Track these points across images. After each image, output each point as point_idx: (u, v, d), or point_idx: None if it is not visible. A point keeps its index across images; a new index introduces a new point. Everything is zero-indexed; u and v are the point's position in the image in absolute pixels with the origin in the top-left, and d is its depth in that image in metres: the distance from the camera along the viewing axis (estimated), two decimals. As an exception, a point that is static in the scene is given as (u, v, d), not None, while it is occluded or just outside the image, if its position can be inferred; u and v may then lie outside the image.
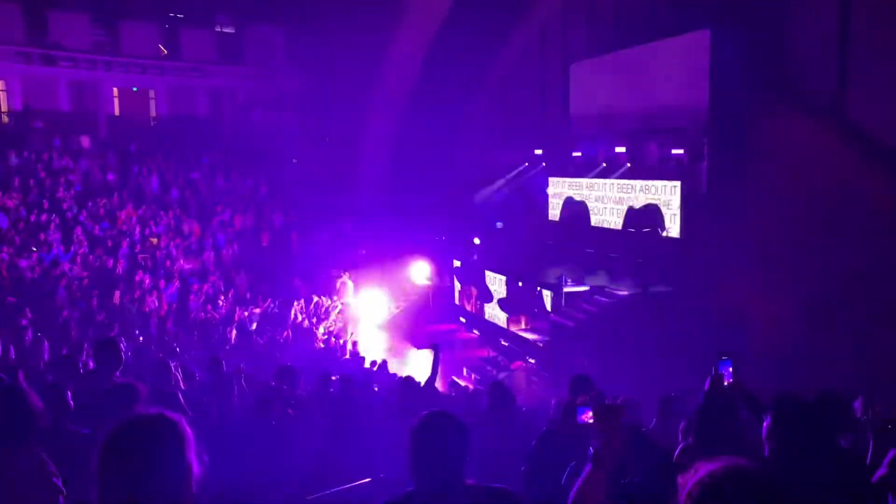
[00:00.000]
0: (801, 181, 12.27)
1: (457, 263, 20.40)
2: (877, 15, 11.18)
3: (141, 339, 11.75)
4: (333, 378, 7.89)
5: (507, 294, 17.30)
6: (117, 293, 13.88)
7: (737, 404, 3.60)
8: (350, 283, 18.44)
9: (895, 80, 10.88)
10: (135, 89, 24.81)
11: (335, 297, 17.77)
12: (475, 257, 19.98)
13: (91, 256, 15.54)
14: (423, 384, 7.54)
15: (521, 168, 20.56)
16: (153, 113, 25.19)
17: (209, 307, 15.10)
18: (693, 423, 3.45)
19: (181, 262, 16.87)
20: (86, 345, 8.22)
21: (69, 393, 4.00)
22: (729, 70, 13.34)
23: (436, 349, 7.61)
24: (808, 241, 12.10)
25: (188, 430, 1.85)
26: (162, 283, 15.38)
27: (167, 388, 5.28)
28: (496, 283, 17.87)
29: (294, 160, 24.28)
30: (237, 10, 25.38)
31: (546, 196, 19.11)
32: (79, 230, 16.32)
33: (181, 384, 6.41)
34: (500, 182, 21.08)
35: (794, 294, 12.22)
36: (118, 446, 1.79)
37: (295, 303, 16.35)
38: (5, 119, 22.03)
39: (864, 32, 11.42)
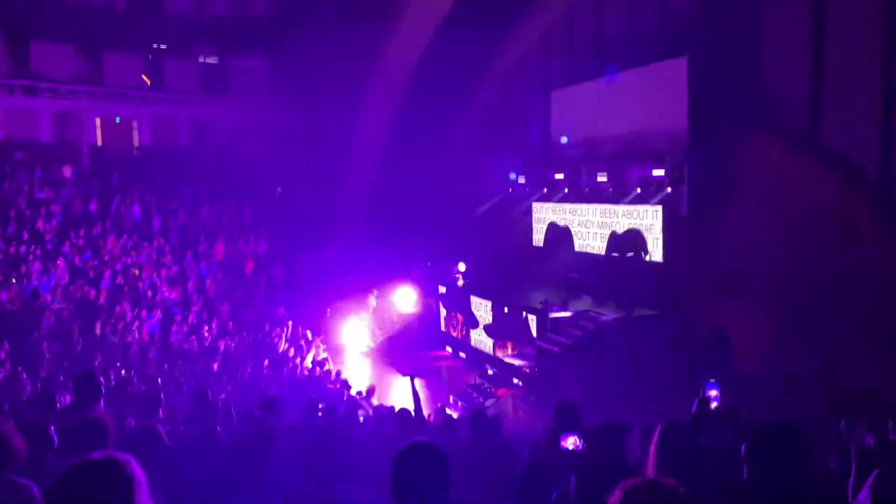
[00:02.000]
0: (779, 204, 12.46)
1: (442, 290, 20.39)
2: (848, 44, 11.46)
3: (123, 371, 11.59)
4: (320, 406, 7.83)
5: (492, 320, 17.29)
6: (98, 324, 13.72)
7: (718, 427, 3.62)
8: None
9: (866, 108, 11.11)
10: (118, 120, 24.79)
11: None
12: (460, 283, 19.99)
13: (72, 287, 15.38)
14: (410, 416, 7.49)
15: (505, 194, 20.70)
16: (136, 143, 25.14)
17: (192, 337, 14.96)
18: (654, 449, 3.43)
19: (164, 291, 16.73)
20: (62, 378, 8.11)
21: (52, 428, 3.93)
22: (707, 95, 13.59)
23: (412, 379, 7.61)
24: (787, 264, 12.25)
25: (137, 473, 1.81)
26: (144, 313, 15.23)
27: (148, 422, 5.21)
28: (482, 309, 17.86)
29: (278, 189, 24.28)
30: (221, 42, 25.52)
31: (530, 221, 19.24)
32: (60, 261, 16.16)
33: (165, 416, 6.33)
34: (485, 208, 21.20)
35: (775, 316, 12.34)
36: (64, 494, 1.74)
37: (279, 331, 16.24)
38: (-14, 150, 21.88)
39: (837, 62, 11.69)
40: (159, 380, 10.81)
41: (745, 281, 12.98)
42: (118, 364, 12.24)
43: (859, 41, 11.22)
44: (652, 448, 3.15)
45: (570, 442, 3.20)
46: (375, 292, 19.73)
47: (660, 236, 14.40)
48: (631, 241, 15.11)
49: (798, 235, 12.13)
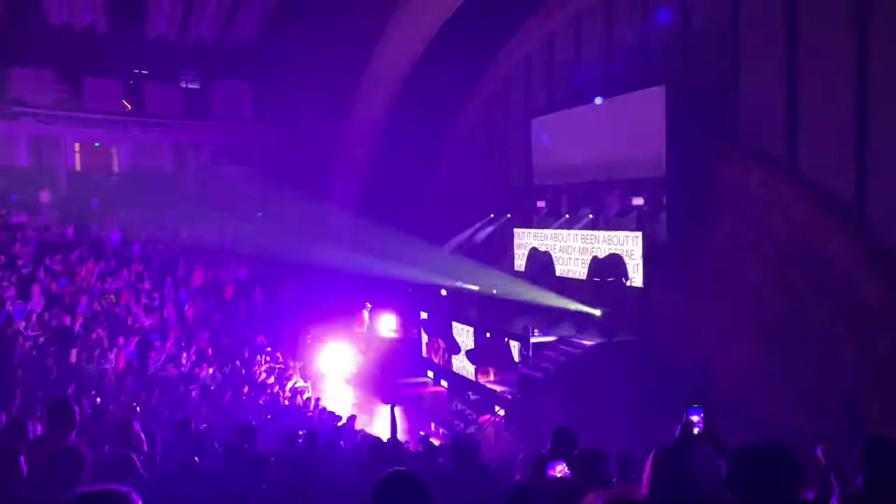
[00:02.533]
0: (758, 231, 12.63)
1: (424, 315, 20.33)
2: (821, 73, 11.73)
3: (98, 399, 11.38)
4: (301, 432, 7.73)
5: (474, 345, 17.24)
6: (74, 352, 13.49)
7: (701, 453, 3.62)
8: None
9: (840, 136, 11.34)
10: (97, 144, 24.63)
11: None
12: (443, 308, 19.95)
13: (47, 314, 15.13)
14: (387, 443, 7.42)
15: (486, 219, 20.77)
16: (116, 168, 24.97)
17: (170, 365, 14.75)
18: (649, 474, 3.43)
19: (142, 318, 16.52)
20: (37, 407, 7.94)
21: (22, 458, 3.84)
22: (684, 124, 13.78)
23: (392, 407, 7.56)
24: (766, 290, 12.38)
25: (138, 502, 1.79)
26: (121, 340, 15.01)
27: (124, 451, 5.10)
28: (464, 335, 17.81)
29: (259, 213, 24.18)
30: (203, 65, 25.53)
31: (512, 246, 19.30)
32: (36, 287, 15.92)
33: (144, 445, 6.22)
34: (468, 233, 21.23)
35: (755, 342, 12.44)
36: None
37: (259, 358, 16.07)
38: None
39: (811, 90, 11.94)
40: (137, 408, 10.66)
41: (724, 307, 13.09)
42: (93, 392, 12.04)
43: (832, 70, 11.48)
44: (646, 472, 3.15)
45: (558, 470, 3.19)
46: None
47: (640, 262, 14.49)
48: (612, 266, 15.18)
49: (776, 262, 12.28)
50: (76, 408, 4.87)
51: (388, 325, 20.81)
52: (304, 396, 15.38)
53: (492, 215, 20.68)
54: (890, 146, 10.63)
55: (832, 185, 11.53)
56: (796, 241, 11.94)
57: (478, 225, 20.90)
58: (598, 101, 15.96)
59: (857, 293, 10.90)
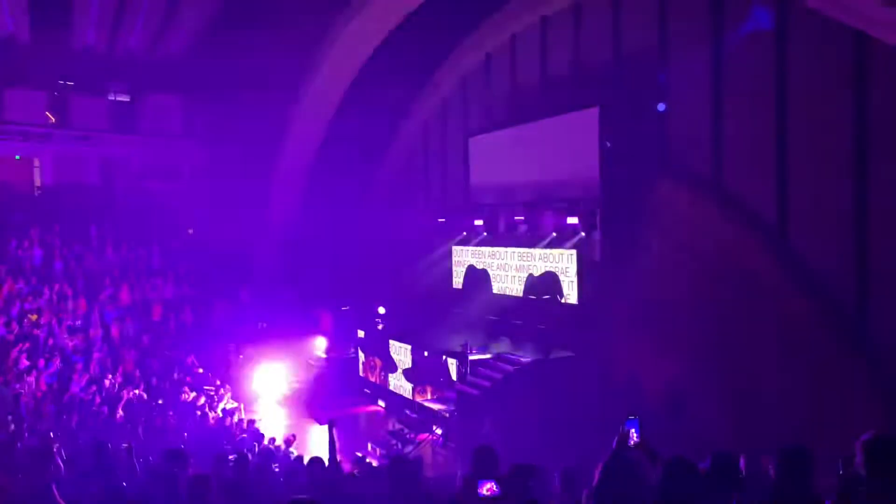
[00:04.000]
0: (687, 248, 13.04)
1: (361, 334, 20.12)
2: (742, 94, 12.25)
3: (13, 426, 10.76)
4: (231, 458, 7.46)
5: (412, 364, 17.15)
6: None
7: (641, 463, 3.68)
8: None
9: (760, 156, 11.85)
10: (17, 157, 23.53)
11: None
12: (380, 327, 19.79)
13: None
14: (327, 464, 7.24)
15: (423, 237, 20.77)
16: (38, 182, 23.90)
17: (93, 387, 14.11)
18: (596, 483, 3.47)
19: (64, 338, 15.78)
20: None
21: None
22: (617, 144, 14.16)
23: (330, 426, 7.41)
24: (694, 306, 12.77)
25: None
26: (42, 362, 14.29)
27: (42, 480, 4.82)
28: (401, 353, 17.70)
29: (190, 230, 23.55)
30: (133, 78, 24.79)
31: (450, 264, 19.36)
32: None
33: (62, 471, 5.90)
34: (404, 251, 21.19)
35: (682, 356, 12.79)
36: None
37: (188, 379, 15.55)
38: None
39: (734, 111, 12.46)
40: (52, 434, 10.12)
41: (655, 323, 13.43)
42: (9, 418, 11.39)
43: (755, 91, 11.99)
44: (595, 485, 3.19)
45: (487, 488, 3.18)
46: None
47: (575, 279, 14.75)
48: (546, 284, 15.40)
49: (704, 279, 12.69)
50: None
51: (322, 344, 20.50)
52: (236, 418, 14.94)
53: (428, 233, 20.70)
54: (809, 165, 11.16)
55: (755, 204, 12.01)
56: (722, 259, 12.37)
57: (415, 242, 20.88)
58: (534, 122, 16.25)
59: (781, 309, 11.34)
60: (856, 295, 10.57)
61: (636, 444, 3.79)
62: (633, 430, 3.84)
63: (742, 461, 5.28)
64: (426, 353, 16.66)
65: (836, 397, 10.36)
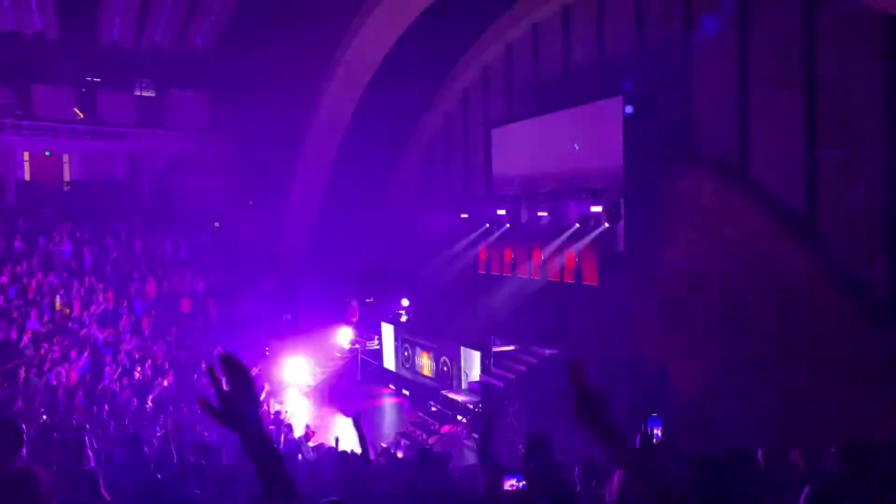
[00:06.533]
0: (712, 238, 12.89)
1: (385, 326, 20.22)
2: (770, 83, 12.05)
3: (45, 417, 11.01)
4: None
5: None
6: (23, 367, 13.04)
7: (665, 461, 3.66)
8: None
9: (789, 144, 11.66)
10: (47, 153, 23.94)
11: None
12: (403, 318, 19.86)
13: (-6, 328, 14.62)
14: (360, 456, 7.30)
15: (447, 229, 20.75)
16: (67, 178, 24.31)
17: (125, 379, 14.36)
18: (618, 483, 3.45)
19: (95, 331, 16.07)
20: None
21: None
22: (641, 134, 14.01)
23: (356, 419, 7.42)
24: (722, 297, 12.63)
25: None
26: (73, 354, 14.57)
27: (79, 469, 4.93)
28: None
29: (216, 223, 23.80)
30: (158, 75, 25.08)
31: (475, 256, 19.35)
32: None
33: (91, 462, 6.02)
34: (428, 243, 21.20)
35: (709, 350, 12.66)
36: None
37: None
38: None
39: (761, 100, 12.27)
40: (87, 425, 10.34)
41: (681, 314, 13.31)
42: (42, 409, 11.66)
43: (781, 79, 11.80)
44: (614, 484, 3.17)
45: (510, 484, 3.19)
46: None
47: (596, 271, 14.67)
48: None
49: (731, 269, 12.53)
50: (23, 427, 4.68)
51: (347, 336, 20.64)
52: (263, 409, 15.12)
53: (452, 225, 20.69)
54: (838, 152, 10.96)
55: (782, 192, 11.83)
56: (748, 251, 12.21)
57: (439, 234, 20.88)
58: (557, 112, 16.14)
59: (808, 301, 11.18)
60: (888, 285, 10.38)
61: (659, 442, 3.76)
62: (656, 428, 3.82)
63: (760, 454, 5.24)
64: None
65: (864, 392, 10.20)
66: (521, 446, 4.55)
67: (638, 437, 3.88)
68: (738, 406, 11.80)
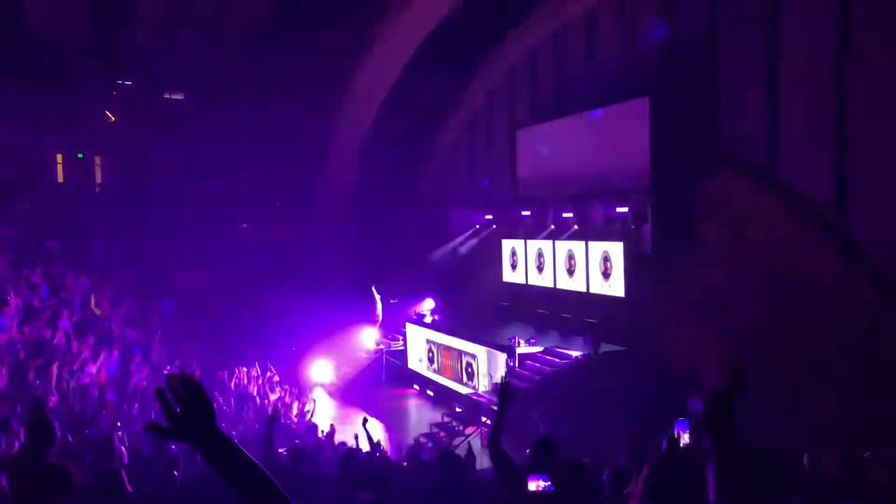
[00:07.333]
0: (741, 239, 12.72)
1: (409, 326, 20.26)
2: (801, 83, 11.87)
3: (79, 414, 11.21)
4: (281, 451, 7.62)
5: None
6: (55, 365, 13.28)
7: (693, 465, 3.61)
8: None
9: (819, 145, 11.47)
10: (80, 155, 24.39)
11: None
12: (427, 319, 19.88)
13: (27, 328, 14.90)
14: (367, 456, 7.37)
15: (472, 230, 20.80)
16: (98, 179, 24.74)
17: (154, 377, 14.56)
18: (643, 487, 3.42)
19: (126, 330, 16.32)
20: (14, 423, 7.79)
21: (3, 475, 3.76)
22: (668, 135, 13.89)
23: (364, 420, 7.53)
24: (750, 299, 12.44)
25: None
26: (104, 352, 14.80)
27: (108, 467, 5.01)
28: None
29: (244, 225, 24.05)
30: (186, 77, 25.34)
31: (499, 258, 19.34)
32: (15, 300, 15.68)
33: (125, 459, 6.12)
34: (454, 244, 21.24)
35: (737, 351, 12.46)
36: None
37: (242, 370, 15.92)
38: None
39: (790, 100, 12.08)
40: (118, 422, 10.51)
41: (711, 318, 13.13)
42: (75, 407, 11.86)
43: (811, 80, 11.62)
44: (637, 487, 3.14)
45: (534, 485, 3.16)
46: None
47: (622, 272, 14.57)
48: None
49: (760, 270, 12.35)
50: (56, 423, 4.77)
51: (372, 336, 20.72)
52: (290, 408, 15.25)
53: (477, 226, 20.72)
54: (869, 152, 10.76)
55: (812, 193, 11.64)
56: (782, 250, 12.02)
57: (464, 236, 20.91)
58: (582, 113, 16.06)
59: (840, 300, 10.98)
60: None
61: (687, 446, 3.71)
62: (683, 432, 3.76)
63: (805, 458, 5.15)
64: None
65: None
66: (527, 450, 4.52)
67: (664, 441, 3.83)
68: (773, 409, 11.60)
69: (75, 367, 13.72)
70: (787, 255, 11.89)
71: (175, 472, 5.76)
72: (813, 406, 11.10)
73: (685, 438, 3.75)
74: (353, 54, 19.80)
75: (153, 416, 12.26)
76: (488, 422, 14.90)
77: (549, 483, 3.40)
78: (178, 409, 1.73)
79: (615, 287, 14.88)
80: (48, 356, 13.64)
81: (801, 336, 11.51)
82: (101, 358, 14.49)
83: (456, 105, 21.71)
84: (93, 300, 17.02)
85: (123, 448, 6.30)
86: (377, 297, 20.81)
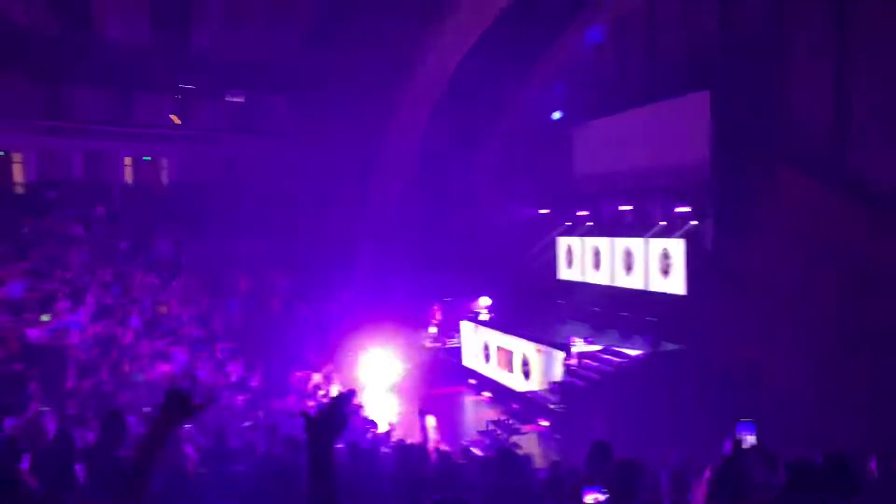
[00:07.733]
0: (806, 236, 12.30)
1: (464, 324, 20.31)
2: (872, 73, 11.39)
3: (145, 410, 11.65)
4: (339, 446, 7.75)
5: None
6: (126, 362, 13.84)
7: (756, 468, 3.54)
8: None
9: (891, 138, 10.99)
10: (147, 158, 25.29)
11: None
12: (481, 317, 19.88)
13: (100, 326, 15.56)
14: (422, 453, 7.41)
15: (528, 228, 20.69)
16: (165, 181, 25.60)
17: (218, 374, 15.02)
18: (707, 490, 3.36)
19: (190, 328, 16.87)
20: (89, 417, 8.15)
21: (77, 467, 3.93)
22: (730, 129, 13.53)
23: (422, 415, 7.55)
24: (814, 298, 12.02)
25: None
26: (172, 350, 15.33)
27: (171, 461, 5.20)
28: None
29: (300, 223, 24.48)
30: (246, 81, 25.96)
31: (554, 255, 19.19)
32: (89, 299, 16.39)
33: (192, 454, 6.33)
34: (508, 242, 21.17)
35: (803, 351, 12.08)
36: None
37: (303, 368, 16.26)
38: (20, 189, 22.42)
39: (861, 91, 11.61)
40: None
41: (770, 316, 12.75)
42: (145, 403, 12.32)
43: (883, 70, 11.14)
44: (701, 489, 3.10)
45: (591, 499, 3.13)
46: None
47: (683, 270, 14.26)
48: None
49: (825, 268, 11.92)
50: (129, 418, 4.98)
51: (428, 334, 20.84)
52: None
53: (533, 223, 20.57)
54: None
55: (883, 188, 11.16)
56: (847, 246, 11.58)
57: (519, 233, 20.81)
58: (642, 108, 15.79)
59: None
60: None
61: (751, 448, 3.63)
62: (747, 434, 3.68)
63: (873, 461, 4.97)
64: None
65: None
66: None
67: (729, 444, 3.75)
68: (842, 411, 11.20)
69: (145, 364, 14.26)
70: (854, 252, 11.43)
71: (235, 466, 5.91)
72: (885, 406, 10.66)
73: (748, 440, 3.66)
74: (407, 53, 19.92)
75: (215, 413, 12.62)
76: (546, 423, 14.82)
77: (606, 496, 3.37)
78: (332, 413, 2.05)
79: (675, 284, 14.58)
80: (119, 354, 14.22)
81: (874, 339, 11.06)
82: (170, 355, 15.03)
83: (513, 103, 21.60)
84: (161, 300, 17.63)
85: (189, 445, 6.50)
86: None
